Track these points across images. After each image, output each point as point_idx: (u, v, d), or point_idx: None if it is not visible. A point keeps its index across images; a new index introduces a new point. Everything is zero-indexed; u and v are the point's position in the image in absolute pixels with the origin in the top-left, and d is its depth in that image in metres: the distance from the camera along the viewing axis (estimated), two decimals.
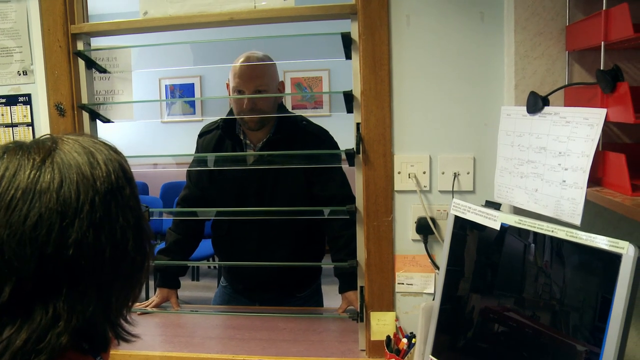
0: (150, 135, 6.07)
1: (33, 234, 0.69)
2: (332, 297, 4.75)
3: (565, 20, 1.42)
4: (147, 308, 2.10)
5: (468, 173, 1.61)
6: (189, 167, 2.25)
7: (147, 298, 4.03)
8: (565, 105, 1.42)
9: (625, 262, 0.99)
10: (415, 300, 1.68)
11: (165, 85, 6.24)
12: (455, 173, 1.62)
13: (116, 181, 0.78)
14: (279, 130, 2.12)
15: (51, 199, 0.71)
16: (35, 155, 0.75)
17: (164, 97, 6.25)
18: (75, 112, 1.82)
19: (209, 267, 5.52)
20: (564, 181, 1.24)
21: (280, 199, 2.10)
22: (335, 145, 2.16)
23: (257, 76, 2.06)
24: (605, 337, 1.01)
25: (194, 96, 6.25)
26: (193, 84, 6.24)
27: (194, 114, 6.28)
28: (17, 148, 0.76)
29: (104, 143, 0.83)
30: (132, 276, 0.81)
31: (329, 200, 2.02)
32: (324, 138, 2.17)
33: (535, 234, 1.19)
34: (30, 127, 1.88)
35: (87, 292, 0.73)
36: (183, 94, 6.28)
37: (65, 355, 0.72)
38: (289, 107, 5.53)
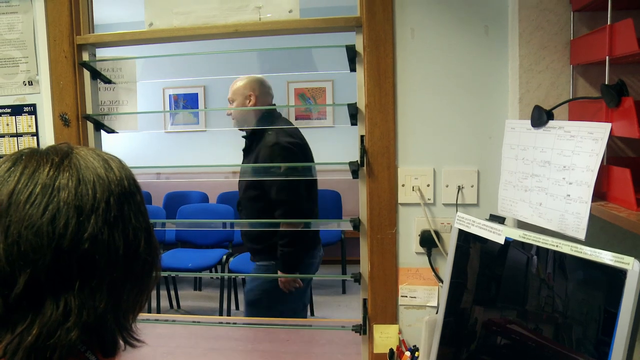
0: (154, 145, 6.08)
1: (50, 226, 0.71)
2: (324, 307, 4.76)
3: (569, 34, 1.42)
4: None
5: (472, 186, 1.61)
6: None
7: (150, 309, 4.03)
8: (569, 119, 1.42)
9: (631, 278, 0.98)
10: (418, 313, 1.68)
11: (169, 95, 6.25)
12: (459, 186, 1.62)
13: (129, 186, 0.81)
14: (249, 140, 2.60)
15: (69, 195, 0.74)
16: (54, 156, 0.78)
17: (167, 107, 6.25)
18: (80, 123, 1.82)
19: (211, 277, 5.51)
20: (569, 195, 1.24)
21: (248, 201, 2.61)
22: (284, 157, 2.47)
23: (230, 91, 2.63)
24: (611, 352, 1.01)
25: (197, 106, 6.26)
26: (197, 94, 6.25)
27: (198, 124, 6.29)
28: (33, 152, 0.79)
29: (115, 156, 0.86)
30: (142, 279, 0.83)
31: (272, 202, 2.50)
32: (270, 151, 2.50)
33: (539, 248, 1.19)
34: (35, 137, 1.89)
35: (99, 288, 0.74)
36: (187, 104, 6.29)
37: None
38: (292, 117, 5.57)
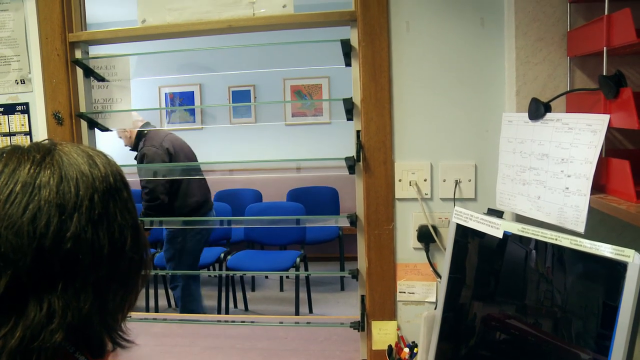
0: None
1: (31, 226, 0.69)
2: (322, 304, 4.75)
3: (566, 25, 1.41)
4: None
5: (469, 180, 1.60)
6: None
7: (147, 308, 4.02)
8: (567, 112, 1.41)
9: (632, 271, 0.97)
10: (417, 309, 1.66)
11: (165, 94, 6.23)
12: (456, 180, 1.60)
13: (114, 183, 0.79)
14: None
15: (51, 193, 0.71)
16: (35, 153, 0.75)
17: (163, 106, 6.24)
18: (74, 121, 1.81)
19: (209, 275, 5.50)
20: (567, 188, 1.22)
21: None
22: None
23: None
24: (612, 346, 1.00)
25: (193, 104, 6.24)
26: (193, 92, 6.22)
27: (194, 122, 6.27)
28: (15, 149, 0.77)
29: (101, 151, 0.84)
30: (129, 278, 0.81)
31: None
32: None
33: (538, 242, 1.18)
34: (28, 136, 1.87)
35: (83, 289, 0.72)
36: (183, 102, 6.27)
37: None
38: (288, 115, 5.59)
